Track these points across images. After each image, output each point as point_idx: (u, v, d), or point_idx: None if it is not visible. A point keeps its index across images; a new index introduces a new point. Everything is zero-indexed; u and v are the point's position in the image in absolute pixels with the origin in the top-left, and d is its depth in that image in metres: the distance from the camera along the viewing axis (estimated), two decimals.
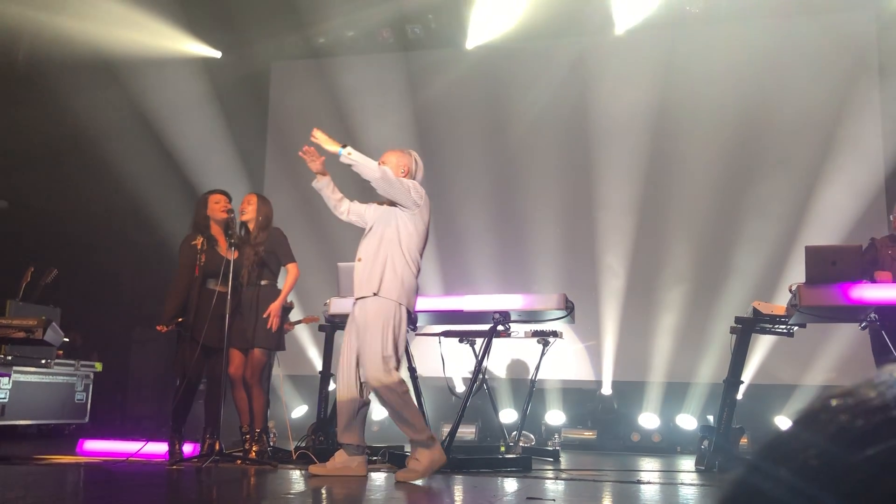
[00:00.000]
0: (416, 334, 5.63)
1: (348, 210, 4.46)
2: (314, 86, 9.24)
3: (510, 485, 4.18)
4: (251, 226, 5.18)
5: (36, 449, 5.72)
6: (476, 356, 5.63)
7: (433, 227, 8.66)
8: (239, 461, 4.85)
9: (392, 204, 4.33)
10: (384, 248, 4.25)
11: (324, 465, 4.29)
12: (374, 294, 4.17)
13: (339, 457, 4.24)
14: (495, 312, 5.04)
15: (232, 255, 4.85)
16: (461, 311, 5.39)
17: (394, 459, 5.01)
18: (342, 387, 4.26)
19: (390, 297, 4.17)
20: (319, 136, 4.26)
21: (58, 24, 7.77)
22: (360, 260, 4.28)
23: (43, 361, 7.10)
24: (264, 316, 5.05)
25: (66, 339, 6.93)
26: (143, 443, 5.06)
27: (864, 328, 4.85)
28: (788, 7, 7.98)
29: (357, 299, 4.25)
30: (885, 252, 5.26)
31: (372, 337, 4.13)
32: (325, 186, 4.44)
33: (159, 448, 5.06)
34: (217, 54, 9.18)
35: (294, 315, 5.95)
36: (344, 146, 4.20)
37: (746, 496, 0.46)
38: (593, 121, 8.24)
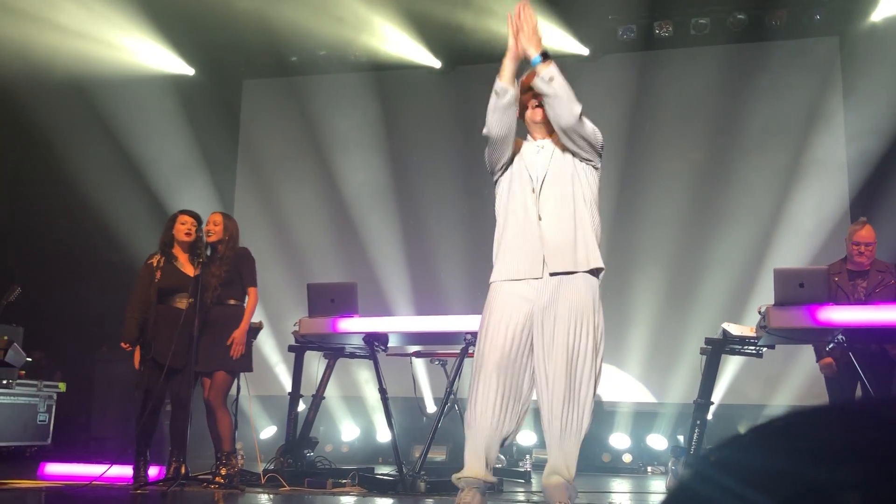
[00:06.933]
0: (388, 355, 5.58)
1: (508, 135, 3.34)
2: (286, 104, 9.21)
3: None
4: (220, 247, 5.09)
5: None
6: (447, 377, 5.60)
7: (407, 246, 8.71)
8: (205, 484, 4.76)
9: (563, 149, 3.27)
10: (570, 206, 3.16)
11: None
12: (588, 271, 3.12)
13: None
14: (467, 333, 5.02)
15: (196, 272, 4.78)
16: (432, 331, 5.37)
17: (364, 482, 4.95)
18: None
19: (597, 274, 3.17)
20: (529, 24, 3.14)
21: (25, 38, 7.66)
22: (540, 219, 3.19)
23: (4, 382, 6.93)
24: (227, 343, 4.94)
25: (30, 360, 6.77)
26: (107, 466, 4.95)
27: (830, 349, 4.90)
28: (754, 31, 8.13)
29: (553, 274, 3.13)
30: (831, 279, 5.06)
31: (591, 327, 3.10)
32: (512, 92, 3.28)
33: (124, 471, 4.95)
34: (190, 71, 9.09)
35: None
36: (546, 56, 3.12)
37: (688, 499, 0.45)
38: None
